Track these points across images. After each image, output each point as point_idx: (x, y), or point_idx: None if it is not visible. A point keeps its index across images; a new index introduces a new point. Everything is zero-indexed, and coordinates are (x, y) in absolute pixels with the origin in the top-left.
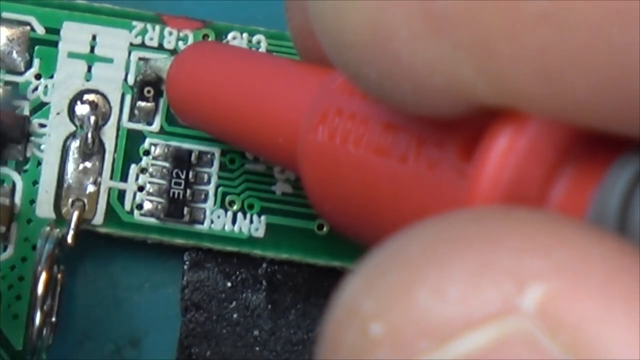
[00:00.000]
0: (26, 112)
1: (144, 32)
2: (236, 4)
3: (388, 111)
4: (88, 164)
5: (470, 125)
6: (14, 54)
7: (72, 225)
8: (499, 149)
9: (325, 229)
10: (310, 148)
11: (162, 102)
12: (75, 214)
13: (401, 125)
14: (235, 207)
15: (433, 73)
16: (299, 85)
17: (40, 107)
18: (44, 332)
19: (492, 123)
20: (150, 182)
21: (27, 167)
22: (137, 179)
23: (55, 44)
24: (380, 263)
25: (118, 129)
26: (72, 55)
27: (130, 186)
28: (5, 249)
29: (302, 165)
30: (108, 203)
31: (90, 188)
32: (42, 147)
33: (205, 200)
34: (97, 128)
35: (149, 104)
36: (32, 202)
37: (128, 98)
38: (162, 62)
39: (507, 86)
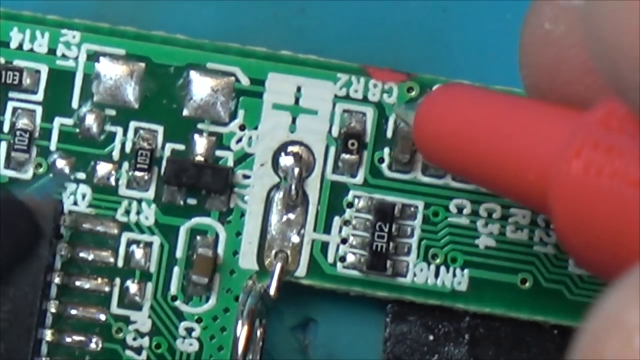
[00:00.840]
0: (230, 163)
1: (348, 84)
2: (441, 56)
3: None
4: (292, 216)
5: None
6: (219, 105)
7: (275, 277)
8: None
9: (528, 283)
10: (563, 181)
11: (365, 154)
12: (279, 266)
13: None
14: (438, 261)
15: None
16: (550, 123)
17: (244, 158)
18: None
19: None
20: (353, 235)
21: (230, 218)
22: (340, 231)
23: (260, 95)
24: None
25: (322, 181)
26: (276, 106)
27: (333, 238)
28: (207, 299)
29: (553, 200)
30: (311, 255)
31: (294, 240)
32: (246, 198)
33: (408, 253)
34: (301, 180)
35: (353, 157)
36: (235, 253)
37: (332, 150)
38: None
39: None
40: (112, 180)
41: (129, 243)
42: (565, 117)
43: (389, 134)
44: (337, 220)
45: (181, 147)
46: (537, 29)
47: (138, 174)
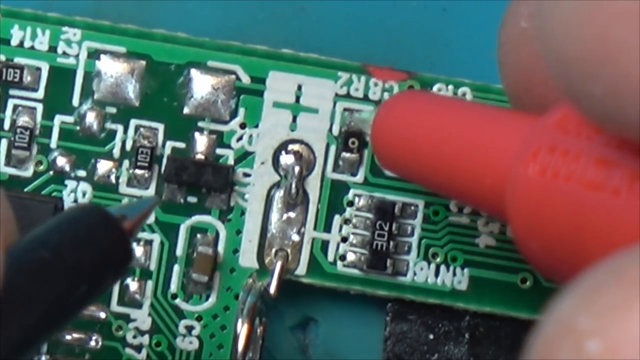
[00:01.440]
0: (230, 162)
1: (349, 82)
2: (440, 55)
3: (602, 146)
4: (292, 214)
5: None
6: (219, 103)
7: (275, 275)
8: None
9: (528, 282)
10: (520, 184)
11: (366, 153)
12: (279, 264)
13: (614, 160)
14: (438, 260)
15: None
16: (507, 128)
17: (244, 156)
18: None
19: None
20: (353, 233)
21: (230, 216)
22: (340, 229)
23: (260, 94)
24: (598, 281)
25: (322, 180)
26: (277, 104)
27: (333, 237)
28: (207, 298)
29: (510, 203)
30: (311, 253)
31: (294, 238)
32: (246, 196)
33: (408, 252)
34: (302, 178)
35: (353, 155)
36: (236, 251)
37: (333, 148)
38: (367, 115)
39: None
40: (113, 178)
41: None
42: (522, 122)
43: None
44: (337, 219)
45: (182, 145)
46: (513, 27)
47: (138, 171)
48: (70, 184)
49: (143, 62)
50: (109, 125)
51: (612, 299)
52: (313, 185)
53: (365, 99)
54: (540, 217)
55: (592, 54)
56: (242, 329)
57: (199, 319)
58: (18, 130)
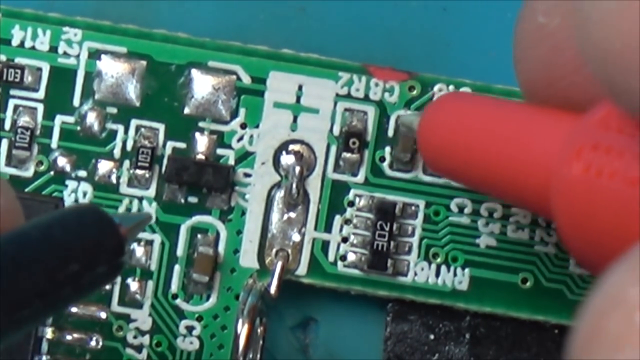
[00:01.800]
0: (231, 162)
1: (350, 82)
2: (441, 55)
3: None
4: (292, 214)
5: None
6: (220, 103)
7: (276, 275)
8: None
9: (529, 283)
10: (564, 183)
11: (367, 153)
12: (279, 265)
13: None
14: (439, 260)
15: None
16: (550, 127)
17: (245, 156)
18: None
19: None
20: (354, 234)
21: (231, 216)
22: (341, 230)
23: (261, 94)
24: None
25: (323, 180)
26: (278, 105)
27: (334, 237)
28: (208, 298)
29: (555, 202)
30: (312, 254)
31: (295, 238)
32: (247, 196)
33: (409, 252)
34: (302, 178)
35: (354, 155)
36: (236, 251)
37: (333, 149)
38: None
39: None
40: (113, 178)
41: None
42: (564, 120)
43: (390, 133)
44: (338, 219)
45: (182, 145)
46: (531, 23)
47: (139, 172)
48: (71, 184)
49: (144, 62)
50: (110, 125)
51: None
52: (314, 186)
53: (366, 99)
54: (585, 215)
55: (632, 48)
56: (243, 329)
57: (199, 319)
58: (19, 130)
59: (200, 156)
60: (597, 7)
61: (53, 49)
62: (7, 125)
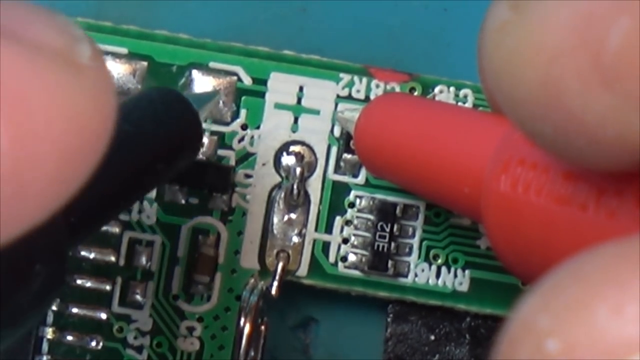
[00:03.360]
0: (232, 163)
1: (351, 84)
2: (442, 56)
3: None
4: (293, 215)
5: None
6: (221, 104)
7: (277, 276)
8: None
9: (528, 285)
10: (493, 197)
11: None
12: (280, 266)
13: (581, 175)
14: (439, 261)
15: (605, 125)
16: (484, 134)
17: (245, 157)
18: None
19: None
20: (354, 235)
21: (231, 217)
22: (341, 231)
23: (262, 95)
24: (558, 281)
25: (323, 181)
26: (278, 106)
27: (334, 238)
28: (209, 299)
29: (485, 215)
30: (312, 255)
31: (295, 239)
32: (248, 197)
33: (409, 253)
34: (303, 179)
35: (355, 156)
36: (237, 252)
37: (334, 150)
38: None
39: None
40: None
41: (131, 242)
42: (498, 128)
43: None
44: (338, 220)
45: None
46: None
47: None
48: None
49: (145, 63)
50: None
51: (570, 299)
52: (314, 187)
53: (367, 100)
54: (513, 230)
55: (537, 97)
56: (245, 328)
57: (200, 319)
58: None
59: (201, 157)
60: (499, 54)
61: None
62: None
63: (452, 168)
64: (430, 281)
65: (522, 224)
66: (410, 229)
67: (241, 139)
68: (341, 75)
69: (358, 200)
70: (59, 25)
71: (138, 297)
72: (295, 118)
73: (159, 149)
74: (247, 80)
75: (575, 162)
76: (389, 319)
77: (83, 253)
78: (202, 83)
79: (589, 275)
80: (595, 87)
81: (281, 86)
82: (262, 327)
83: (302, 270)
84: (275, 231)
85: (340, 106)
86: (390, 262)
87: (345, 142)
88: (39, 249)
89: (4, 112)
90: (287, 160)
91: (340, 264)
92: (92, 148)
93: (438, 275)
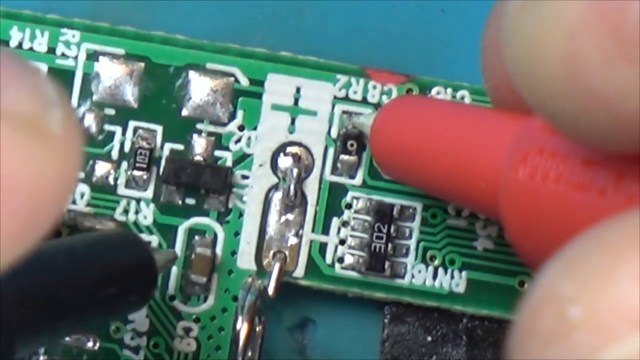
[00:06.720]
0: (229, 164)
1: (348, 85)
2: (439, 57)
3: (588, 147)
4: (290, 216)
5: None
6: (218, 105)
7: (274, 277)
8: None
9: (526, 285)
10: (512, 187)
11: (365, 155)
12: (277, 266)
13: (600, 160)
14: (436, 262)
15: (625, 100)
16: (499, 130)
17: (242, 158)
18: None
19: None
20: (351, 236)
21: (228, 218)
22: (338, 232)
23: (259, 96)
24: (582, 249)
25: (320, 182)
26: (275, 107)
27: (331, 239)
28: (205, 299)
29: (503, 206)
30: (309, 256)
31: (292, 240)
32: (244, 198)
33: (406, 254)
34: (300, 180)
35: (352, 158)
36: (234, 253)
37: (331, 151)
38: (365, 118)
39: None
40: (111, 180)
41: None
42: (514, 123)
43: None
44: (335, 221)
45: (180, 147)
46: (496, 30)
47: (137, 173)
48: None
49: (142, 64)
50: (108, 126)
51: (593, 266)
52: (311, 188)
53: (364, 101)
54: (532, 219)
55: (558, 73)
56: (242, 327)
57: (196, 320)
58: None
59: (198, 158)
60: (517, 34)
61: (51, 50)
62: None
63: (468, 164)
64: (427, 282)
65: (540, 213)
66: (407, 230)
67: (238, 140)
68: (338, 76)
69: (355, 202)
70: (32, 86)
71: None
72: (292, 119)
73: (110, 272)
74: (244, 82)
75: (595, 143)
76: (385, 320)
77: None
78: (199, 84)
79: (612, 244)
80: (615, 61)
81: (278, 87)
82: (259, 328)
83: (299, 271)
84: (272, 232)
85: (342, 108)
86: (387, 263)
87: (342, 143)
88: None
89: None
90: (284, 161)
91: (337, 265)
92: (42, 218)
93: (435, 276)
